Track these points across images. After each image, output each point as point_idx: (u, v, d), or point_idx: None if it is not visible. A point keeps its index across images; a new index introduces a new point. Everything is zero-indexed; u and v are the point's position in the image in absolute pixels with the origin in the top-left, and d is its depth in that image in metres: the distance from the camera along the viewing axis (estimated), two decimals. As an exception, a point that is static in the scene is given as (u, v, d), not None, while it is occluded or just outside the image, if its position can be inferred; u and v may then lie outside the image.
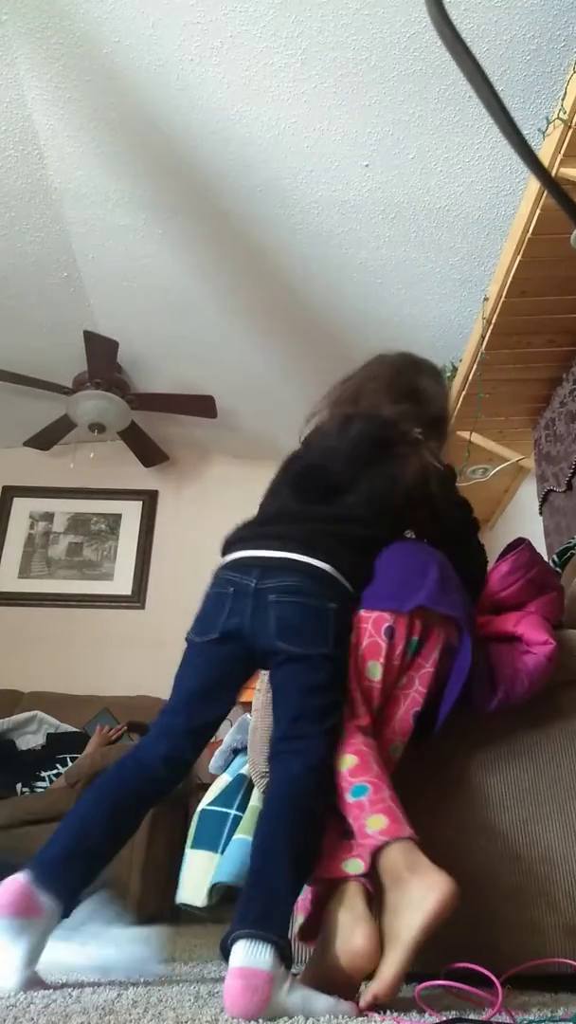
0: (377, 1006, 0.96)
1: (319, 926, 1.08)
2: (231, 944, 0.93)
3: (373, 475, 1.41)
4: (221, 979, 0.96)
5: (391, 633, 1.23)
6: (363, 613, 1.27)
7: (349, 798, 1.10)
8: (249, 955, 0.90)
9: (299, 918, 1.15)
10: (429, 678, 1.25)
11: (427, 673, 1.25)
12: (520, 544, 1.44)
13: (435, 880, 0.99)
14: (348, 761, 1.13)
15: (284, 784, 1.11)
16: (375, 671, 1.22)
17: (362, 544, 1.35)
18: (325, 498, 1.40)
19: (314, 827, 1.09)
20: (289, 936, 0.97)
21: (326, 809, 1.11)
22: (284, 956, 0.93)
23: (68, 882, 1.08)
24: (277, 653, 1.23)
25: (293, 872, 1.02)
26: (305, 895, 1.14)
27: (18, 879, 1.04)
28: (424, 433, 1.47)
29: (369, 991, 0.96)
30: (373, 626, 1.25)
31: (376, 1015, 0.93)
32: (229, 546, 1.37)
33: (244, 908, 0.98)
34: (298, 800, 1.09)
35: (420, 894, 0.99)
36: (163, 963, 1.44)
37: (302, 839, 1.06)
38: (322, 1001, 0.93)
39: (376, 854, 1.04)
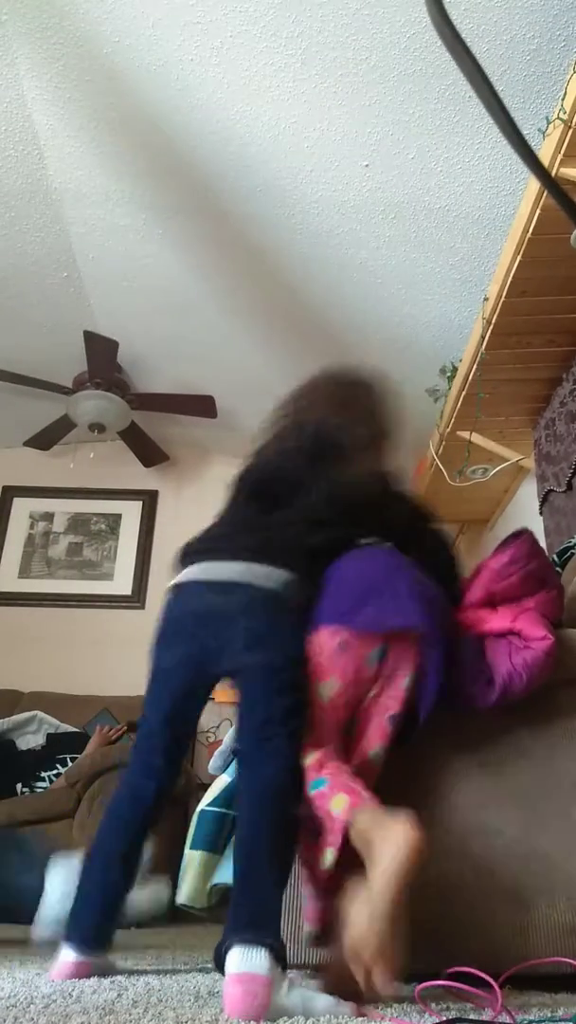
0: (376, 1005, 0.96)
1: (330, 931, 1.08)
2: (226, 952, 0.95)
3: (333, 473, 1.43)
4: (221, 978, 0.97)
5: (344, 647, 1.24)
6: (321, 627, 1.27)
7: (310, 791, 1.12)
8: (246, 960, 0.92)
9: (306, 926, 1.16)
10: (402, 681, 1.25)
11: (400, 676, 1.26)
12: (521, 535, 1.42)
13: (398, 830, 0.99)
14: (307, 759, 1.16)
15: (260, 787, 1.13)
16: (332, 688, 1.23)
17: (324, 544, 1.37)
18: (283, 501, 1.42)
19: (292, 826, 1.12)
20: (281, 937, 0.99)
21: (296, 810, 1.13)
22: (279, 958, 0.94)
23: (105, 934, 1.23)
24: (244, 666, 1.25)
25: (278, 872, 1.05)
26: (308, 904, 1.16)
27: (68, 960, 1.17)
28: (370, 443, 1.53)
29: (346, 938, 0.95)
30: (328, 640, 1.25)
31: (376, 1015, 0.93)
32: (184, 559, 1.38)
33: (235, 914, 1.00)
34: (276, 802, 1.11)
35: (387, 848, 0.98)
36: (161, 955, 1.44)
37: (283, 839, 1.09)
38: (321, 1001, 0.94)
39: (347, 831, 1.04)
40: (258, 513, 1.43)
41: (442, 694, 1.27)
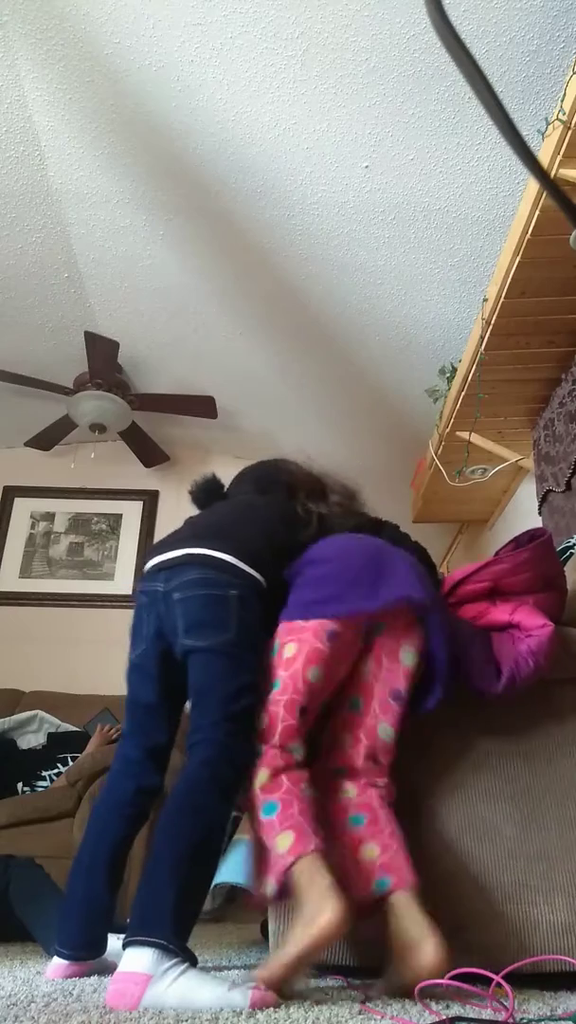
0: (376, 1003, 0.97)
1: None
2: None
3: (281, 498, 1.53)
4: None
5: (334, 636, 1.24)
6: (298, 623, 1.26)
7: (261, 816, 1.13)
8: (128, 961, 0.98)
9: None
10: (402, 656, 1.27)
11: (399, 652, 1.27)
12: (541, 535, 1.44)
13: (325, 905, 1.02)
14: (261, 777, 1.16)
15: (180, 782, 1.14)
16: (317, 674, 1.24)
17: (283, 521, 1.43)
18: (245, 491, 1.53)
19: (203, 821, 1.11)
20: (177, 929, 1.01)
21: (223, 797, 1.14)
22: (168, 951, 0.98)
23: (97, 940, 1.24)
24: (188, 650, 1.25)
25: (179, 869, 1.06)
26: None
27: (60, 967, 1.20)
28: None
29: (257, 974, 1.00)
30: (313, 636, 1.24)
31: (376, 1014, 0.93)
32: (146, 558, 1.41)
33: (133, 912, 1.04)
34: (187, 798, 1.12)
35: (310, 914, 1.02)
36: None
37: (188, 836, 1.09)
38: (207, 991, 0.95)
39: (287, 872, 1.07)
40: (218, 500, 1.53)
41: (453, 670, 1.28)
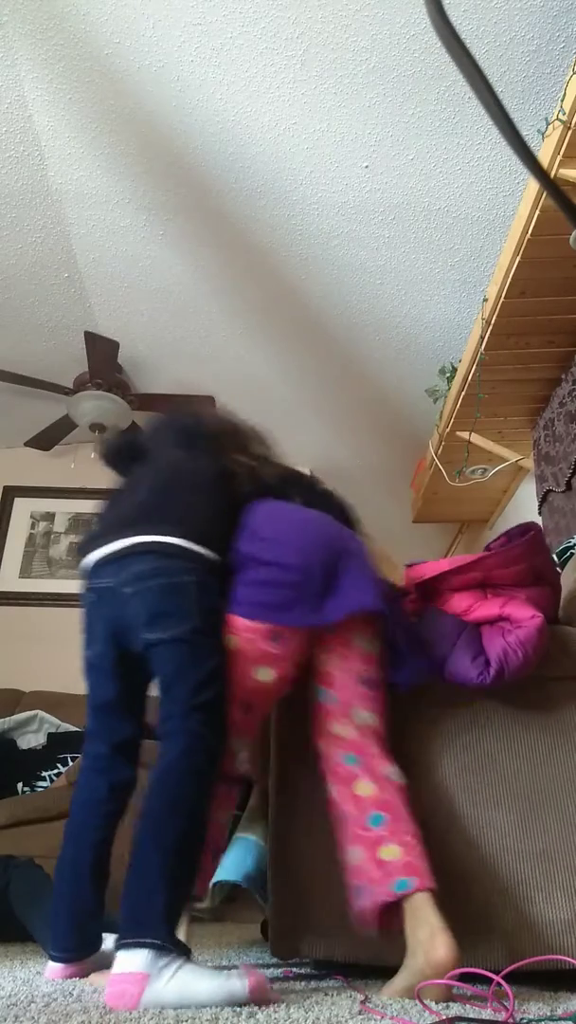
0: (376, 1004, 0.97)
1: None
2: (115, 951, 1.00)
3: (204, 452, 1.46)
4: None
5: (277, 637, 1.24)
6: (244, 622, 1.24)
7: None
8: (124, 962, 0.98)
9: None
10: (359, 643, 1.27)
11: (356, 640, 1.27)
12: (531, 530, 1.44)
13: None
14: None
15: (156, 775, 1.12)
16: (268, 674, 1.24)
17: (212, 489, 1.36)
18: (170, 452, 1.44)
19: (186, 814, 1.09)
20: (170, 927, 1.01)
21: (202, 788, 1.12)
22: (163, 949, 0.97)
23: (89, 940, 1.22)
24: (150, 644, 1.22)
25: (167, 865, 1.05)
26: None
27: (56, 970, 1.19)
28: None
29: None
30: (259, 636, 1.23)
31: (376, 1014, 0.93)
32: (82, 549, 1.34)
33: (124, 912, 1.03)
34: (167, 790, 1.10)
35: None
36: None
37: (173, 832, 1.07)
38: (205, 983, 0.95)
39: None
40: (146, 471, 1.43)
41: (425, 653, 1.31)
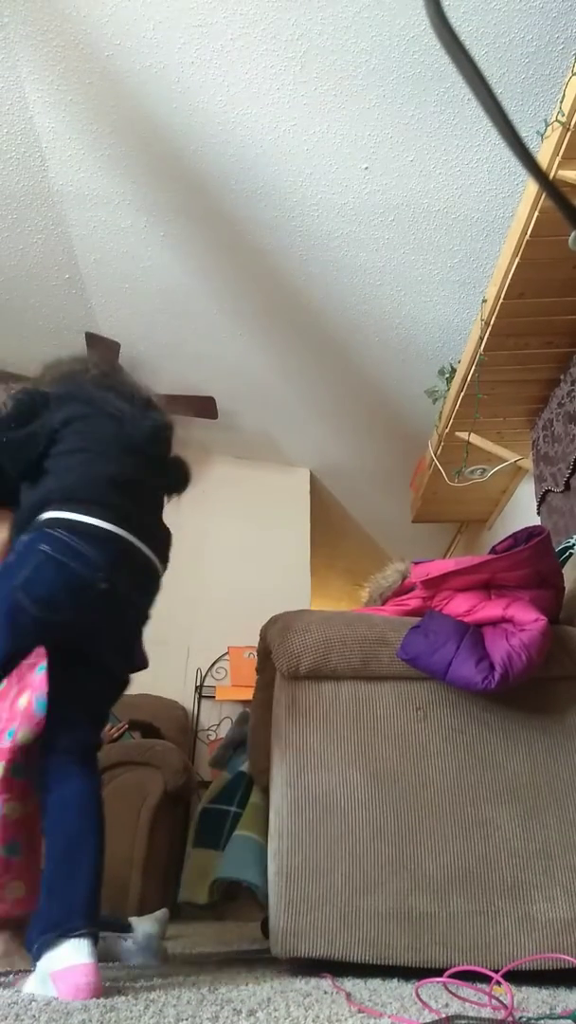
0: (376, 1003, 0.97)
1: None
2: (48, 946, 1.04)
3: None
4: (222, 976, 0.97)
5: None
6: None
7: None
8: (75, 953, 1.02)
9: None
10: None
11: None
12: (540, 533, 1.44)
13: None
14: None
15: (93, 793, 1.20)
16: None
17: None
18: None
19: (101, 814, 1.19)
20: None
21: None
22: (96, 937, 1.08)
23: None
24: (106, 661, 1.32)
25: (98, 865, 1.14)
26: None
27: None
28: None
29: None
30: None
31: (375, 1014, 0.94)
32: (75, 503, 1.30)
33: (65, 906, 1.08)
34: (87, 802, 1.18)
35: None
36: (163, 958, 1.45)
37: (100, 833, 1.17)
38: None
39: None
40: (141, 479, 1.51)
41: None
